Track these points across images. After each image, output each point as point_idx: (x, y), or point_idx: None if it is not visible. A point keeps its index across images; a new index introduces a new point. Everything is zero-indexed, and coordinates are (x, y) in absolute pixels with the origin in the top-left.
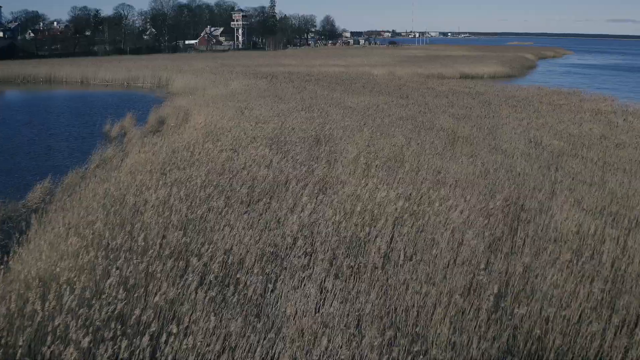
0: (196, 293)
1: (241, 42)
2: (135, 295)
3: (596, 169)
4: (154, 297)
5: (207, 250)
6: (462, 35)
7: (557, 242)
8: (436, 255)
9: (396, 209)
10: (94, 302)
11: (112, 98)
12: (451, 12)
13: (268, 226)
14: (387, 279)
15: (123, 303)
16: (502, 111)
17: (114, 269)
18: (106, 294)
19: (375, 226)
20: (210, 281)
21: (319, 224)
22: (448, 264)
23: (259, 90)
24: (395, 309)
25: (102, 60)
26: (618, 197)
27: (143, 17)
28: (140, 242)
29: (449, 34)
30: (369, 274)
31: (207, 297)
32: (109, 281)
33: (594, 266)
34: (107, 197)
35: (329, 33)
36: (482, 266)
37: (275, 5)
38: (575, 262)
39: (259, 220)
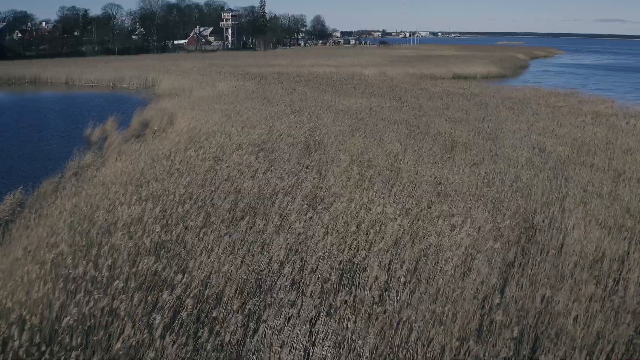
0: (163, 338)
1: (230, 42)
2: (95, 338)
3: (606, 178)
4: (116, 343)
5: (181, 280)
6: (452, 35)
7: (577, 266)
8: (442, 287)
9: (394, 228)
10: (44, 348)
11: (96, 100)
12: (441, 12)
13: (251, 250)
14: (387, 317)
15: (79, 350)
16: (499, 114)
17: (72, 306)
18: (60, 338)
19: (371, 249)
20: (182, 320)
21: (309, 246)
22: (456, 298)
23: (247, 92)
24: (397, 354)
25: (89, 60)
26: (631, 211)
27: (132, 17)
28: (105, 272)
29: (439, 33)
30: (365, 311)
31: (176, 345)
32: (65, 321)
33: (622, 299)
34: (75, 214)
35: (319, 33)
36: (497, 300)
37: (265, 5)
38: (600, 294)
39: (242, 242)
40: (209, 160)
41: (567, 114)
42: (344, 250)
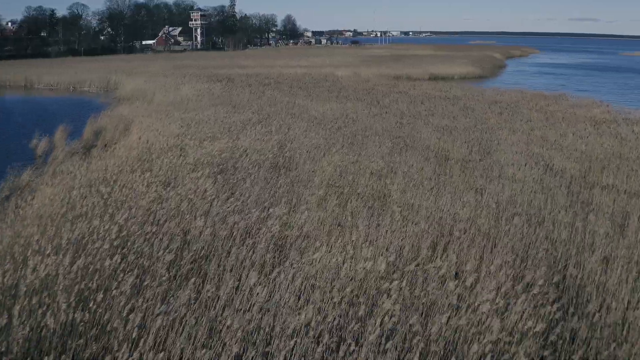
0: None
1: (200, 42)
2: None
3: (633, 205)
4: None
5: None
6: (424, 35)
7: None
8: None
9: (392, 298)
10: None
11: (53, 105)
12: (412, 11)
13: (193, 340)
14: None
15: None
16: (489, 120)
17: None
18: None
19: (364, 335)
20: None
21: (275, 332)
22: None
23: (212, 96)
24: None
25: (53, 62)
26: None
27: (99, 17)
28: None
29: (411, 33)
30: None
31: None
32: None
33: None
34: None
35: (290, 33)
36: None
37: (235, 5)
38: None
39: (182, 323)
40: (157, 186)
41: (563, 120)
42: (324, 340)
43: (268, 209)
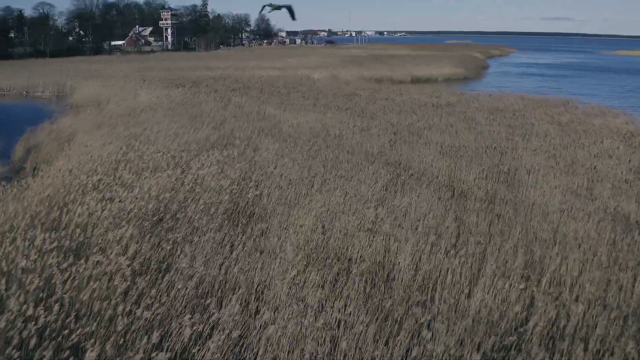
0: None
1: (170, 42)
2: None
3: None
4: None
5: None
6: (399, 34)
7: None
8: None
9: None
10: None
11: None
12: (387, 11)
13: None
14: None
15: None
16: (498, 135)
17: None
18: None
19: None
20: None
21: None
22: None
23: (172, 104)
24: None
25: (14, 64)
26: None
27: (67, 17)
28: None
29: (385, 32)
30: None
31: None
32: None
33: None
34: None
35: (264, 32)
36: None
37: (207, 4)
38: None
39: None
40: (54, 259)
41: (584, 133)
42: None
43: (211, 313)
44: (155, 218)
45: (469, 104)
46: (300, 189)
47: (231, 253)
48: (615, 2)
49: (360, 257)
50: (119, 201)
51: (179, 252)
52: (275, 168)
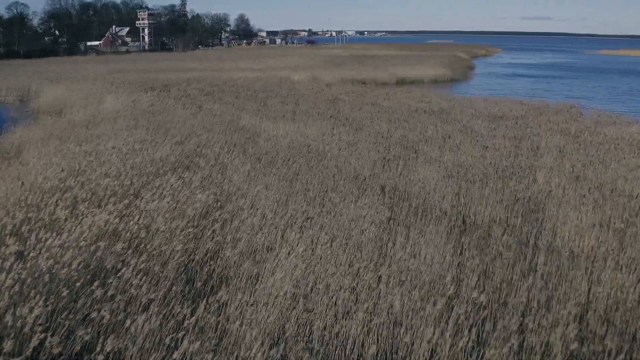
0: None
1: (147, 43)
2: None
3: None
4: None
5: None
6: (379, 34)
7: None
8: None
9: None
10: None
11: None
12: (367, 11)
13: None
14: None
15: None
16: (504, 149)
17: None
18: None
19: None
20: None
21: None
22: None
23: (137, 112)
24: None
25: None
26: None
27: (41, 17)
28: None
29: (366, 32)
30: None
31: None
32: None
33: None
34: None
35: (244, 32)
36: None
37: (186, 4)
38: None
39: None
40: None
41: (600, 147)
42: None
43: None
44: (78, 284)
45: (463, 110)
46: (274, 234)
47: (175, 349)
48: (594, 2)
49: (359, 356)
50: (33, 258)
51: (98, 348)
52: (245, 200)
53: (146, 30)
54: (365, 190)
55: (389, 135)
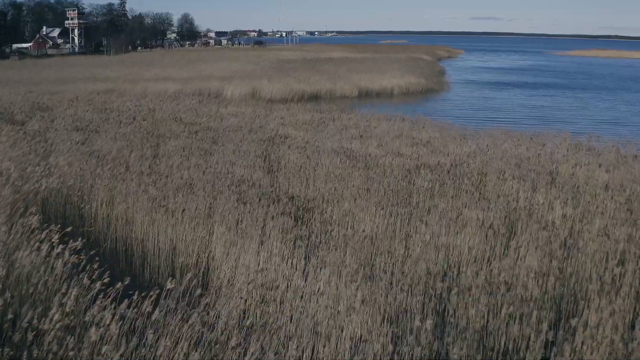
0: None
1: (78, 44)
2: None
3: None
4: None
5: None
6: (330, 34)
7: None
8: None
9: None
10: None
11: None
12: (317, 11)
13: None
14: None
15: None
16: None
17: None
18: None
19: None
20: None
21: None
22: None
23: None
24: None
25: None
26: None
27: None
28: None
29: (316, 32)
30: None
31: None
32: None
33: None
34: None
35: (188, 33)
36: None
37: (125, 3)
38: None
39: None
40: None
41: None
42: None
43: None
44: None
45: (488, 158)
46: None
47: None
48: (541, 2)
49: None
50: None
51: None
52: None
53: (76, 31)
54: None
55: (380, 234)
